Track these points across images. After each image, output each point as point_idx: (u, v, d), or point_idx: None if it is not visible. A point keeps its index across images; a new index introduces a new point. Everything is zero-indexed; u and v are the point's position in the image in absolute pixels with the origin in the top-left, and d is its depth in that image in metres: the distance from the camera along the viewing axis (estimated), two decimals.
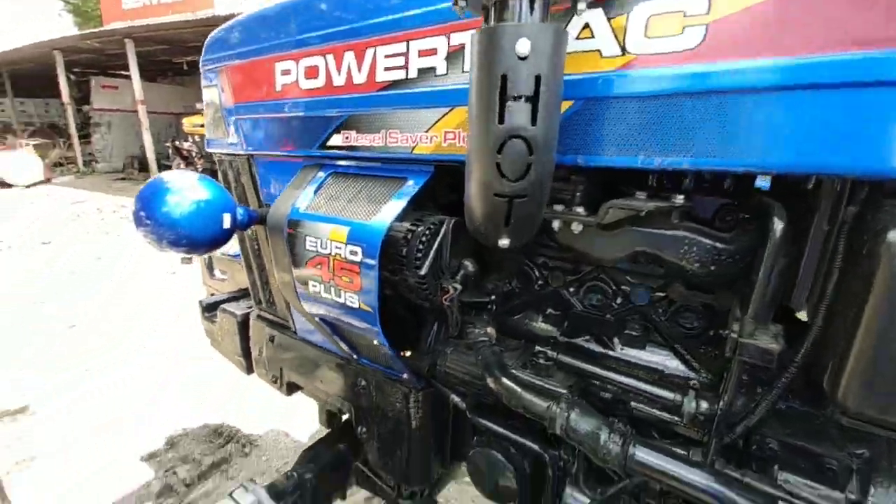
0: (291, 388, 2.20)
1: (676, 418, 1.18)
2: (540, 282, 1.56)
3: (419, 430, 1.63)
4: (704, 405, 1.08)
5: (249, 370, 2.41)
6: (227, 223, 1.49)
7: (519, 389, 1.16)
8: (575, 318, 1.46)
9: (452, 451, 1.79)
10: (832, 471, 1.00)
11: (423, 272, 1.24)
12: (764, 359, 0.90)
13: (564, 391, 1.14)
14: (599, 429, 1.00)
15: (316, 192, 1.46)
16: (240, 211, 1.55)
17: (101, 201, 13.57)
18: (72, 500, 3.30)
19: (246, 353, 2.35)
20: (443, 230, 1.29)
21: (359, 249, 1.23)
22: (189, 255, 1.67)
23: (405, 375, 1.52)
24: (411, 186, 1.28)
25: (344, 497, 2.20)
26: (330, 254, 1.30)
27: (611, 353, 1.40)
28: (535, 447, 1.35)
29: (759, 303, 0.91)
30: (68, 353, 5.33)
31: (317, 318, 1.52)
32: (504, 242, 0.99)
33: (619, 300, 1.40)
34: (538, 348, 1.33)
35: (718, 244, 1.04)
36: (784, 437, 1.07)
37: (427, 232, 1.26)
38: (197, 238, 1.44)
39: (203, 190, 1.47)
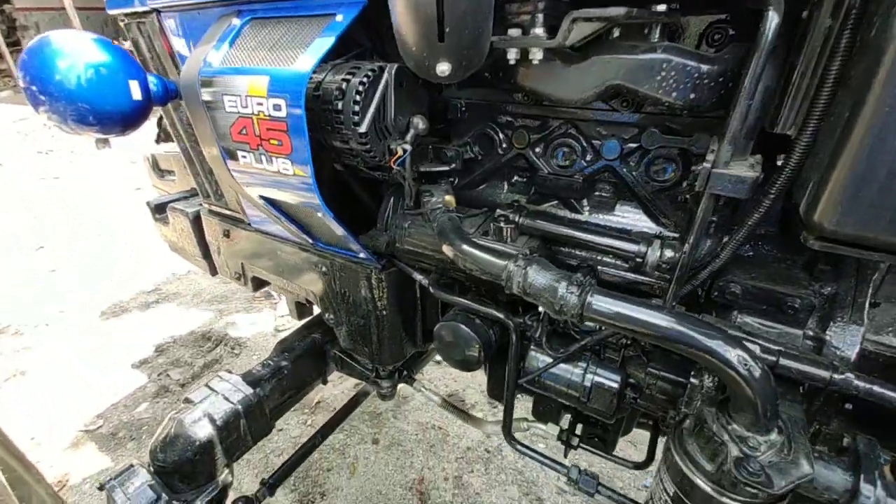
0: (257, 284, 2.14)
1: (641, 277, 1.13)
2: (503, 145, 1.40)
3: (385, 311, 1.60)
4: (669, 253, 1.01)
5: (213, 271, 2.32)
6: (136, 93, 1.26)
7: (476, 251, 1.07)
8: (542, 181, 1.34)
9: (426, 329, 1.80)
10: (793, 310, 0.98)
11: (363, 129, 1.07)
12: (737, 189, 0.80)
13: (525, 251, 1.06)
14: (557, 281, 0.94)
15: (232, 42, 1.21)
16: (152, 80, 1.30)
17: None
18: (69, 408, 3.43)
19: (205, 252, 2.24)
20: (384, 79, 1.09)
21: (282, 102, 1.04)
22: (103, 136, 1.44)
23: (363, 255, 1.43)
24: (340, 21, 1.05)
25: (325, 381, 2.27)
26: (253, 113, 1.10)
27: (579, 217, 1.31)
28: (500, 315, 1.32)
29: (740, 124, 0.78)
30: (41, 277, 5.20)
31: (259, 199, 1.37)
32: (443, 68, 0.82)
33: (588, 157, 1.27)
34: (499, 212, 1.22)
35: (703, 65, 0.88)
36: (747, 281, 1.03)
37: (365, 81, 1.06)
38: (102, 111, 1.22)
39: (99, 52, 1.22)
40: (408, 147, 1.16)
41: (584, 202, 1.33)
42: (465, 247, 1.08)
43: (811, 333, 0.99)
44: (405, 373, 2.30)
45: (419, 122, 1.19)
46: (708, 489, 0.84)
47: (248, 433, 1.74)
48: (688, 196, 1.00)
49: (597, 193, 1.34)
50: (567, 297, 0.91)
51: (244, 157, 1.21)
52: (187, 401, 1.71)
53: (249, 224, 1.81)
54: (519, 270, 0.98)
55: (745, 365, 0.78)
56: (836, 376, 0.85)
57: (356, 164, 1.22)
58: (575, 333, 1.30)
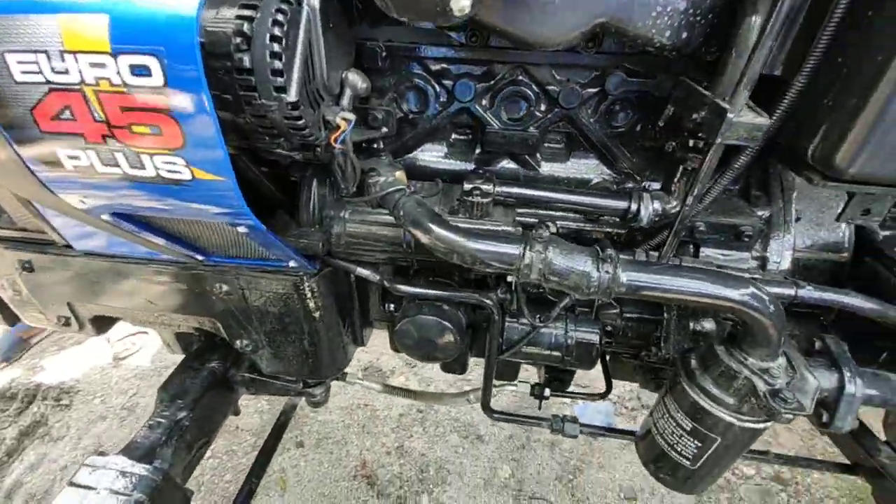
0: (101, 325, 1.52)
1: (635, 230, 1.09)
2: (441, 99, 1.17)
3: (323, 320, 1.29)
4: (658, 205, 0.99)
5: (12, 320, 1.57)
6: None
7: (475, 243, 0.88)
8: (491, 139, 1.17)
9: (365, 322, 1.55)
10: (748, 237, 1.08)
11: (292, 96, 0.72)
12: (752, 137, 0.78)
13: (533, 231, 0.91)
14: (586, 262, 0.83)
15: None
16: None
17: None
18: None
19: None
20: (305, 15, 0.73)
21: (154, 62, 0.60)
22: None
23: (292, 263, 1.08)
24: None
25: (237, 412, 1.85)
26: (83, 82, 0.63)
27: (539, 174, 1.21)
28: (478, 297, 1.18)
29: (759, 66, 0.74)
30: None
31: (106, 218, 0.88)
32: (464, 3, 0.56)
33: (542, 106, 1.14)
34: (467, 185, 1.03)
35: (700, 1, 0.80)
36: (709, 218, 1.10)
37: (280, 20, 0.69)
38: None
39: None
40: (351, 117, 0.85)
41: (538, 156, 1.22)
42: (458, 238, 0.88)
43: (756, 254, 1.12)
44: None
45: (357, 80, 0.87)
46: (732, 419, 0.92)
47: None
48: (673, 144, 0.97)
49: (547, 145, 1.24)
50: (601, 278, 0.82)
51: (73, 158, 0.72)
52: None
53: (71, 248, 1.21)
54: (539, 256, 0.84)
55: (765, 304, 0.83)
56: (800, 292, 0.99)
57: (273, 146, 0.85)
58: (550, 296, 1.25)
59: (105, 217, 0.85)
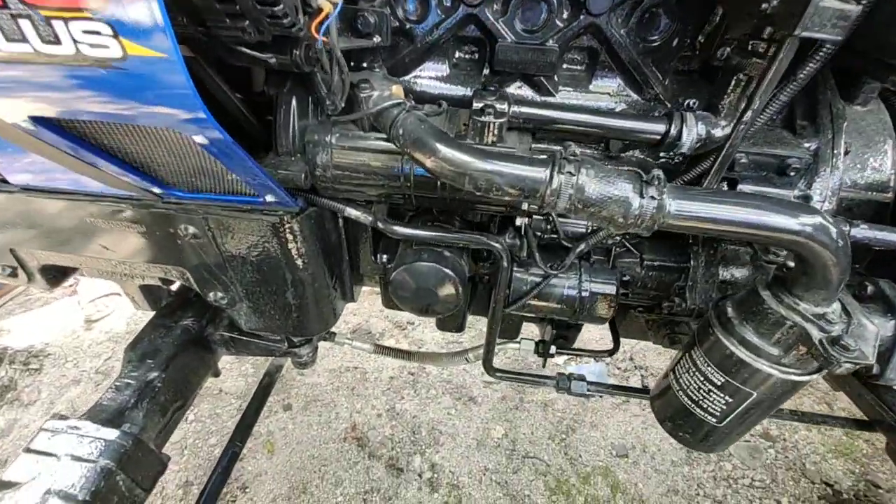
0: (55, 276, 1.34)
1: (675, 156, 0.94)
2: (445, 3, 0.98)
3: (308, 269, 1.14)
4: (703, 128, 0.84)
5: None
6: None
7: (494, 164, 0.72)
8: (503, 54, 0.99)
9: (356, 274, 1.41)
10: (795, 170, 0.95)
11: None
12: (836, 28, 0.63)
13: (556, 150, 0.75)
14: (627, 188, 0.69)
15: None
16: None
17: None
18: None
19: None
20: None
21: None
22: None
23: (269, 198, 0.92)
24: None
25: (217, 373, 1.72)
26: None
27: (555, 102, 1.04)
28: (481, 239, 1.04)
29: None
30: None
31: (24, 124, 0.69)
32: None
33: (565, 13, 0.96)
34: (477, 104, 0.86)
35: None
36: (750, 150, 0.96)
37: None
38: None
39: None
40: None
41: (556, 79, 1.06)
42: (470, 158, 0.72)
43: (798, 193, 1.00)
44: None
45: None
46: (772, 371, 0.82)
47: (135, 487, 1.20)
48: (727, 50, 0.82)
49: (567, 67, 1.07)
50: (645, 206, 0.68)
51: None
52: (4, 485, 1.05)
53: (6, 182, 1.02)
54: (569, 179, 0.69)
55: (831, 238, 0.70)
56: (853, 230, 0.87)
57: (235, 33, 0.67)
58: (565, 242, 1.12)
59: (24, 123, 0.66)
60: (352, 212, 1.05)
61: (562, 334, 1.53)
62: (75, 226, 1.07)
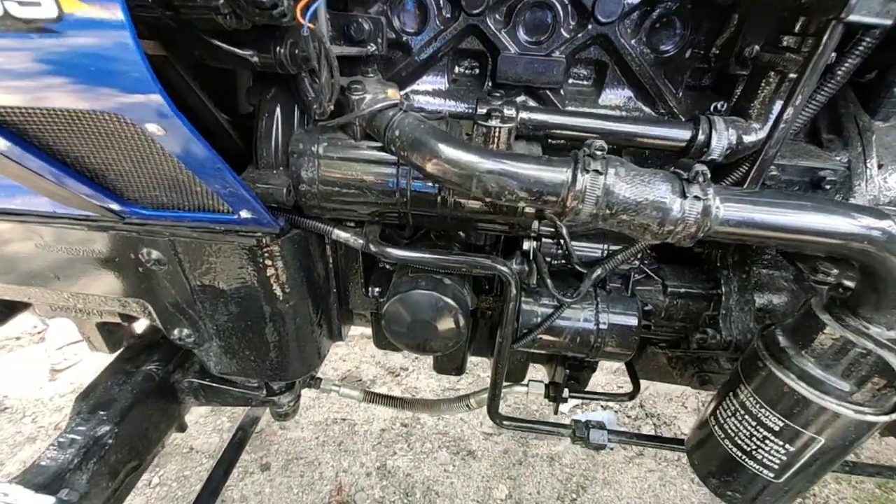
0: (1, 312, 1.18)
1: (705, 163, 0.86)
2: (444, 14, 0.93)
3: (290, 300, 1.01)
4: (734, 133, 0.76)
5: None
6: None
7: (511, 163, 0.62)
8: (506, 67, 0.93)
9: (344, 311, 1.26)
10: (830, 183, 0.87)
11: None
12: (887, 13, 0.56)
13: (583, 149, 0.65)
14: (665, 189, 0.58)
15: None
16: None
17: None
18: None
19: None
20: None
21: None
22: None
23: (244, 213, 0.80)
24: None
25: (183, 427, 1.51)
26: None
27: (567, 108, 0.97)
28: (485, 262, 0.92)
29: None
30: None
31: None
32: None
33: (571, 22, 0.91)
34: (482, 109, 0.78)
35: None
36: (783, 161, 0.88)
37: None
38: None
39: None
40: None
41: (562, 93, 0.99)
42: (479, 158, 0.62)
43: (839, 198, 0.91)
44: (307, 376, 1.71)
45: None
46: (844, 410, 0.68)
47: None
48: (754, 50, 0.75)
49: (573, 82, 1.01)
50: (688, 211, 0.57)
51: None
52: None
53: None
54: (595, 179, 0.59)
55: None
56: None
57: (209, 20, 0.58)
58: (578, 267, 1.00)
59: None
60: (340, 234, 0.94)
61: (574, 375, 1.37)
62: (20, 251, 0.94)
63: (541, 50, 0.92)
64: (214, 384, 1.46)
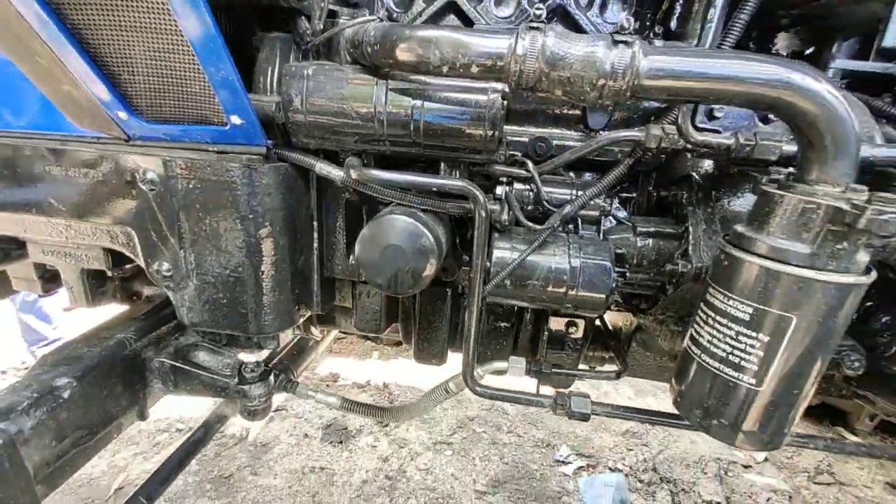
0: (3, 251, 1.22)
1: None
2: None
3: (272, 236, 1.04)
4: None
5: None
6: None
7: (461, 34, 0.72)
8: None
9: (325, 279, 1.27)
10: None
11: None
12: None
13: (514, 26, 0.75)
14: (596, 44, 0.66)
15: None
16: None
17: None
18: None
19: None
20: None
21: None
22: None
23: (234, 119, 0.89)
24: None
25: (144, 416, 1.42)
26: None
27: None
28: (459, 184, 0.96)
29: None
30: None
31: None
32: None
33: None
34: None
35: None
36: None
37: None
38: None
39: None
40: None
41: None
42: (441, 32, 0.72)
43: None
44: (281, 376, 1.63)
45: None
46: (811, 274, 0.66)
47: None
48: None
49: None
50: (616, 59, 0.64)
51: None
52: None
53: None
54: (535, 42, 0.67)
55: (821, 86, 0.65)
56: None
57: None
58: (548, 205, 1.04)
59: None
60: (323, 166, 1.01)
61: (555, 362, 1.30)
62: (26, 175, 1.02)
63: (510, 24, 1.09)
64: (186, 366, 1.41)
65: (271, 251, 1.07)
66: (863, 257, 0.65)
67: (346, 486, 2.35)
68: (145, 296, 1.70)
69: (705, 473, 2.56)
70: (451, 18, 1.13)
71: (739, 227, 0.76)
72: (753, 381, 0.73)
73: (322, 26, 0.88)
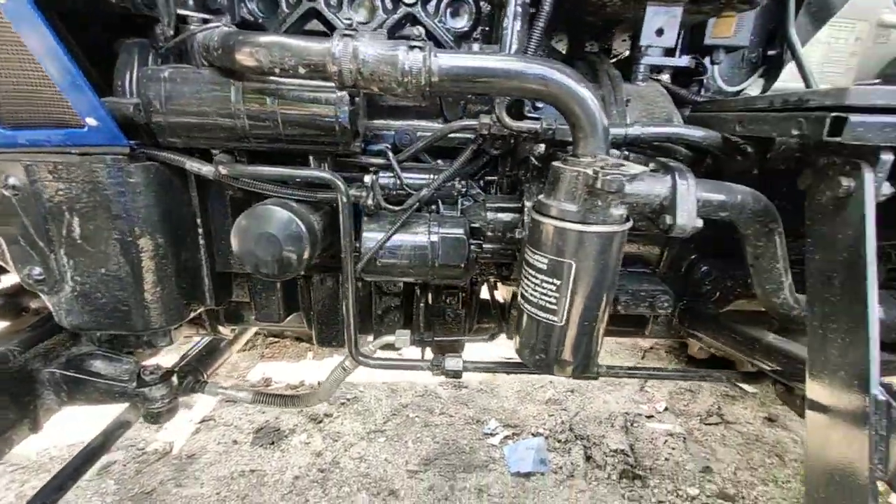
0: None
1: None
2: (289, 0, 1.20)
3: (145, 228, 1.09)
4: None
5: None
6: None
7: (285, 39, 0.83)
8: None
9: (217, 274, 1.32)
10: None
11: None
12: None
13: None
14: (396, 48, 0.80)
15: None
16: None
17: None
18: None
19: None
20: None
21: None
22: None
23: (90, 121, 0.93)
24: None
25: (36, 428, 1.39)
26: None
27: None
28: (320, 174, 1.07)
29: None
30: None
31: None
32: None
33: (388, 2, 1.21)
34: None
35: None
36: None
37: None
38: None
39: None
40: None
41: None
42: (271, 37, 0.82)
43: None
44: (188, 377, 1.65)
45: None
46: (577, 227, 0.84)
47: None
48: None
49: None
50: (411, 59, 0.78)
51: None
52: None
53: None
54: (348, 46, 0.79)
55: (584, 88, 0.83)
56: (629, 130, 1.01)
57: None
58: (408, 189, 1.17)
59: None
60: (193, 164, 1.07)
61: (446, 332, 1.45)
62: None
63: (370, 28, 1.21)
64: (79, 375, 1.41)
65: (150, 248, 1.11)
66: (617, 211, 0.84)
67: (277, 485, 2.37)
68: (33, 309, 1.65)
69: (613, 427, 2.86)
70: (315, 24, 1.23)
71: (541, 197, 0.93)
72: (556, 318, 0.90)
73: (173, 32, 0.94)
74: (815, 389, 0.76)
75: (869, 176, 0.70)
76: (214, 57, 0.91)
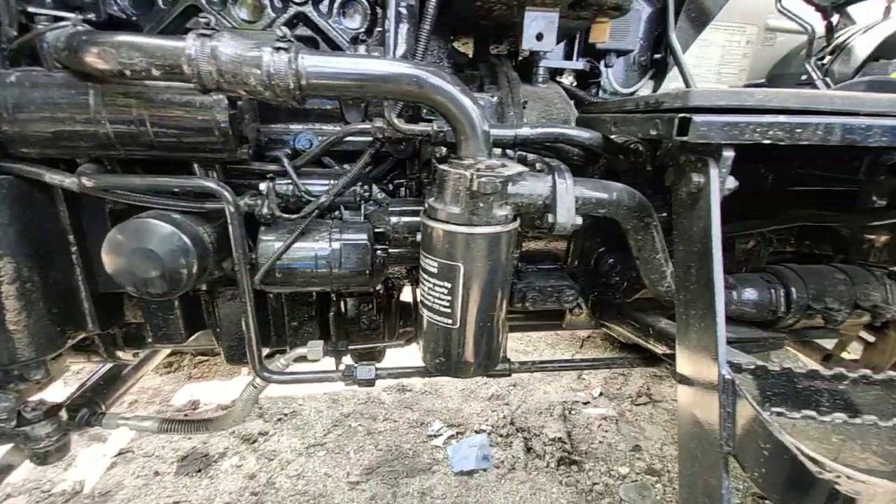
0: None
1: None
2: None
3: (6, 256, 0.97)
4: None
5: None
6: None
7: (138, 38, 0.76)
8: None
9: (98, 295, 1.20)
10: (485, 108, 1.14)
11: None
12: None
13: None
14: (258, 47, 0.76)
15: None
16: None
17: None
18: None
19: None
20: None
21: None
22: None
23: None
24: None
25: None
26: None
27: None
28: (210, 185, 1.00)
29: None
30: None
31: None
32: None
33: (277, 3, 1.15)
34: None
35: None
36: None
37: None
38: None
39: None
40: None
41: None
42: (117, 38, 0.75)
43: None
44: (83, 410, 1.49)
45: None
46: (462, 229, 0.84)
47: None
48: None
49: None
50: (277, 61, 0.74)
51: None
52: None
53: None
54: (205, 46, 0.74)
55: (461, 92, 0.83)
56: (519, 131, 1.03)
57: None
58: (307, 196, 1.13)
59: None
60: (54, 176, 0.97)
61: (364, 340, 1.42)
62: None
63: (257, 27, 1.15)
64: None
65: (9, 272, 0.99)
66: (501, 212, 0.85)
67: None
68: None
69: (552, 416, 2.95)
70: (195, 21, 1.15)
71: (430, 200, 0.93)
72: (451, 321, 0.91)
73: (16, 32, 0.84)
74: (682, 370, 0.82)
75: (714, 172, 0.76)
76: (63, 59, 0.82)
